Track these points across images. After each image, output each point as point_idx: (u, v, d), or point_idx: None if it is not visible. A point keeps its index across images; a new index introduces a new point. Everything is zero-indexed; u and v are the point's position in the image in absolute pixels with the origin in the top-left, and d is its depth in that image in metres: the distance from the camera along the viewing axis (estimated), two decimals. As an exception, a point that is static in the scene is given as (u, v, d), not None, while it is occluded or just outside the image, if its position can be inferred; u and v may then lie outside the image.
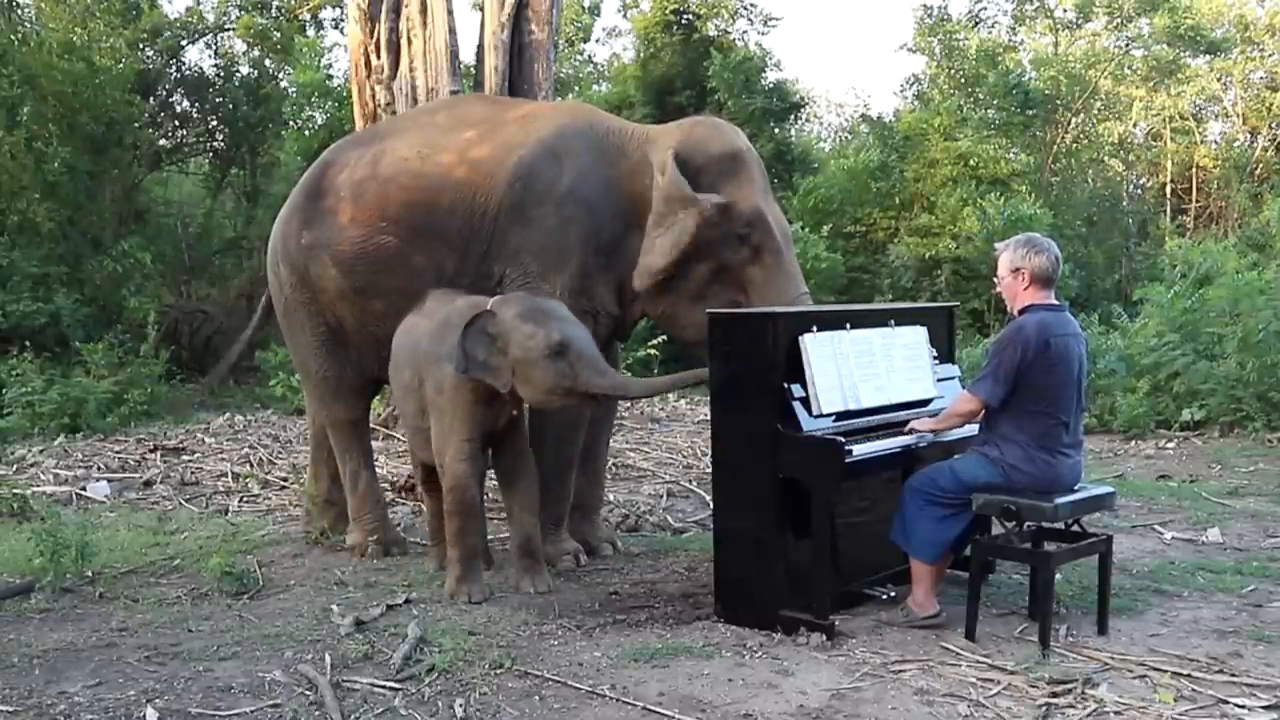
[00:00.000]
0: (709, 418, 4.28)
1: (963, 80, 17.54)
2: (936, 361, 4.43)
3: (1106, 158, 19.28)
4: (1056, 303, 3.90)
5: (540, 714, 3.23)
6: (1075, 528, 3.97)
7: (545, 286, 4.77)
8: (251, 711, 3.29)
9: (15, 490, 6.49)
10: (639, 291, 4.79)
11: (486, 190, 4.84)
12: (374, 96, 7.39)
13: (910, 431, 4.03)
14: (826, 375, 3.94)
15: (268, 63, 15.26)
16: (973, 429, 4.03)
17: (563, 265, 4.79)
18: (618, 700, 3.30)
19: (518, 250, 4.82)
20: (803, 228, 13.19)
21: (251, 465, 7.75)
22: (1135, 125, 20.04)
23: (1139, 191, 19.50)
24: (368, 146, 5.26)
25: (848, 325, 4.14)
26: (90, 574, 4.80)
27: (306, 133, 14.06)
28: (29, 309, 10.74)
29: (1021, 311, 3.86)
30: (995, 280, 4.00)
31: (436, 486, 4.90)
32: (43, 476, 7.41)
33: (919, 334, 4.39)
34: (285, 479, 7.20)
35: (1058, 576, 4.02)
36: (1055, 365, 3.75)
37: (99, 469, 7.70)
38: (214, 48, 15.74)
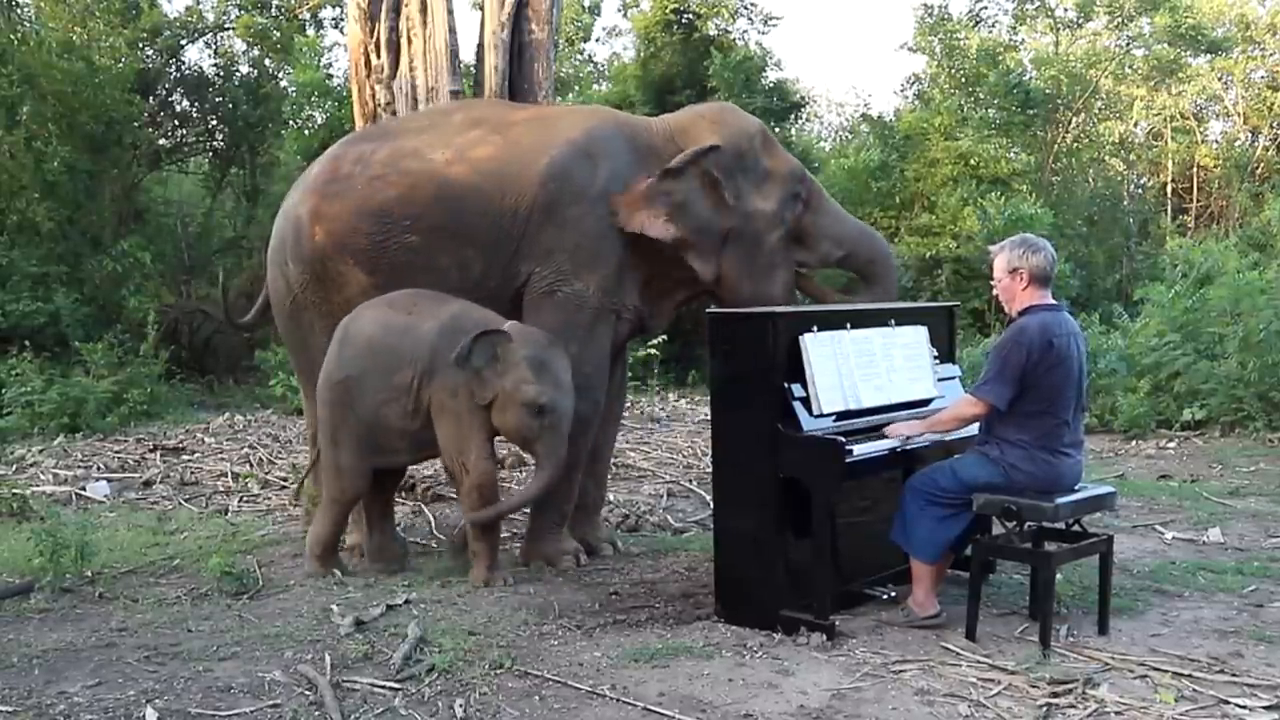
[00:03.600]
0: (709, 417, 4.28)
1: (963, 80, 17.53)
2: (937, 361, 4.42)
3: (1107, 157, 19.28)
4: (1054, 302, 3.90)
5: (540, 714, 3.23)
6: (1076, 528, 3.96)
7: (578, 284, 4.80)
8: (251, 711, 3.29)
9: (15, 490, 6.49)
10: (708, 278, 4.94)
11: (516, 191, 4.81)
12: (374, 96, 7.39)
13: (902, 434, 3.96)
14: (827, 375, 3.93)
15: (267, 62, 15.27)
16: (973, 429, 4.02)
17: (597, 264, 4.82)
18: (618, 700, 3.30)
19: (550, 249, 4.82)
20: (803, 227, 13.15)
21: (251, 465, 7.75)
22: (1136, 125, 20.07)
23: (1140, 191, 19.50)
24: (381, 143, 5.15)
25: (848, 325, 4.13)
26: (90, 574, 4.80)
27: (306, 132, 14.07)
28: (29, 309, 10.75)
29: (1021, 313, 3.85)
30: (993, 283, 4.00)
31: (385, 493, 5.01)
32: (42, 476, 7.41)
33: (919, 333, 4.38)
34: (285, 479, 7.19)
35: (1058, 576, 4.02)
36: (1057, 365, 3.74)
37: (99, 469, 7.69)
38: (213, 47, 15.76)
